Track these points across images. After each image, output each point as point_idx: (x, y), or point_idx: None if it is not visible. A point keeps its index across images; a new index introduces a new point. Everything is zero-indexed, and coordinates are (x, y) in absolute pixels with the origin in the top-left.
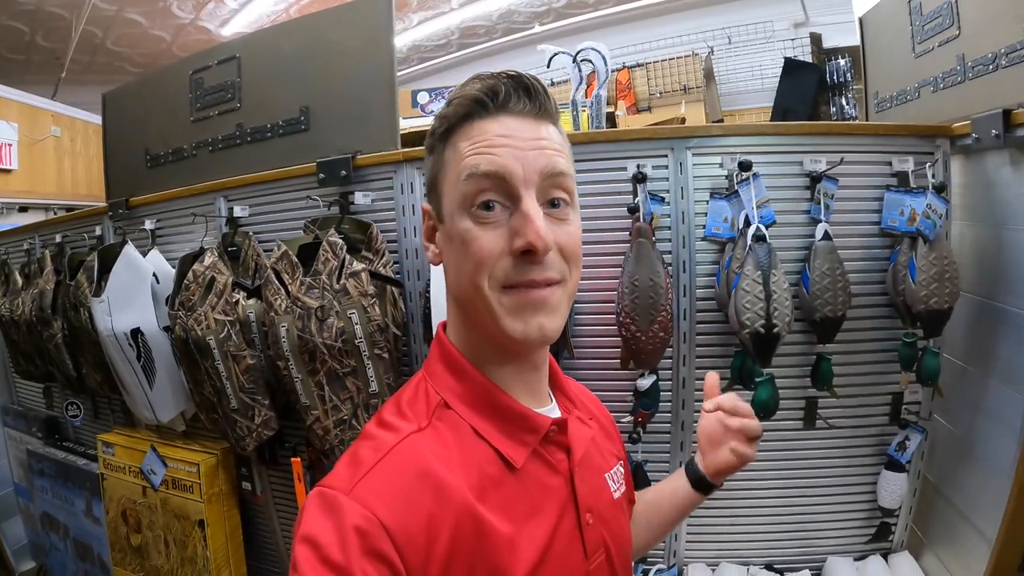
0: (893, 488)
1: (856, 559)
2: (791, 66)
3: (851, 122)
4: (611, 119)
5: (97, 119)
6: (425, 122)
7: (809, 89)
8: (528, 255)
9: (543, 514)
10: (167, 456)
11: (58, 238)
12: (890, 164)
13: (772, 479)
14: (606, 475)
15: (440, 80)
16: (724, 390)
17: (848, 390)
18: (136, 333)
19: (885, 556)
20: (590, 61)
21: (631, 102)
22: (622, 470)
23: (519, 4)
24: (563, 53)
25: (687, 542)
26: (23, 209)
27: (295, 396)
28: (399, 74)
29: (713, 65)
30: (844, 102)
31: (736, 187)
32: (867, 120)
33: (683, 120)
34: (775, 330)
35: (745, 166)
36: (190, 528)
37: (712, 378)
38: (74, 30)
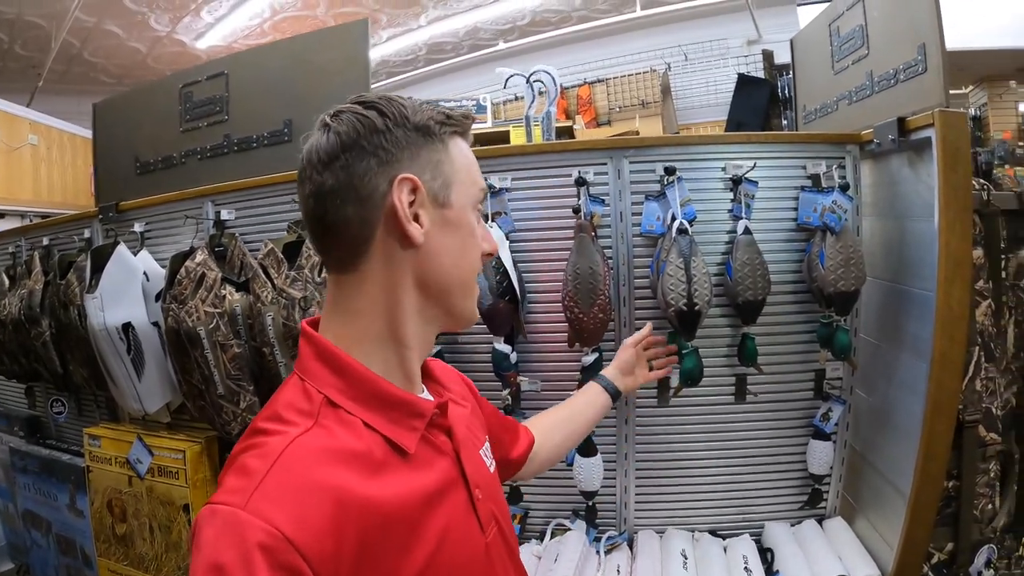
0: (820, 456)
1: (792, 524)
2: (744, 81)
3: (769, 132)
4: (570, 133)
5: (73, 128)
6: None
7: (761, 103)
8: (485, 256)
9: (439, 495)
10: (153, 445)
11: (45, 241)
12: (805, 168)
13: (713, 450)
14: (480, 451)
15: (407, 95)
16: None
17: (776, 368)
18: (127, 327)
19: (820, 522)
20: (541, 82)
21: (591, 116)
22: (489, 444)
23: (485, 22)
24: (518, 75)
25: (636, 510)
26: (0, 215)
27: (277, 380)
28: None
29: (670, 81)
30: (795, 115)
31: (664, 189)
32: (796, 130)
33: (637, 133)
34: (696, 308)
35: (670, 171)
36: (175, 513)
37: (648, 327)
38: (54, 40)
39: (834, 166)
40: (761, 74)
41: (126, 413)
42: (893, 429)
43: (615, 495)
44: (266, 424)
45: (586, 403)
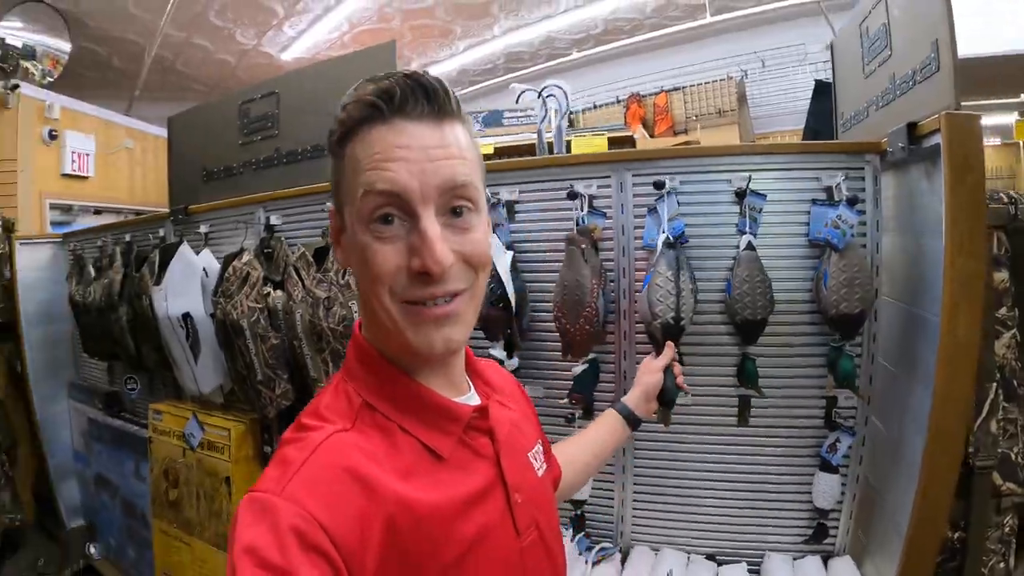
0: (825, 489)
1: (795, 558)
2: (821, 88)
3: (779, 142)
4: (632, 142)
5: (165, 133)
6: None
7: None
8: (425, 275)
9: (476, 498)
10: (205, 422)
11: (127, 237)
12: (819, 180)
13: (713, 472)
14: (528, 455)
15: (489, 103)
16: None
17: (782, 392)
18: (186, 316)
19: (826, 560)
20: (554, 96)
21: (667, 125)
22: (542, 448)
23: (559, 31)
24: (529, 90)
25: (633, 526)
26: (97, 212)
27: (306, 371)
28: None
29: (746, 88)
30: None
31: (656, 204)
32: (836, 139)
33: (698, 143)
34: (681, 322)
35: (659, 185)
36: (218, 484)
37: (672, 347)
38: (147, 54)
39: (842, 178)
40: None
41: (187, 393)
42: (905, 465)
43: (612, 507)
44: (308, 420)
45: (608, 433)
